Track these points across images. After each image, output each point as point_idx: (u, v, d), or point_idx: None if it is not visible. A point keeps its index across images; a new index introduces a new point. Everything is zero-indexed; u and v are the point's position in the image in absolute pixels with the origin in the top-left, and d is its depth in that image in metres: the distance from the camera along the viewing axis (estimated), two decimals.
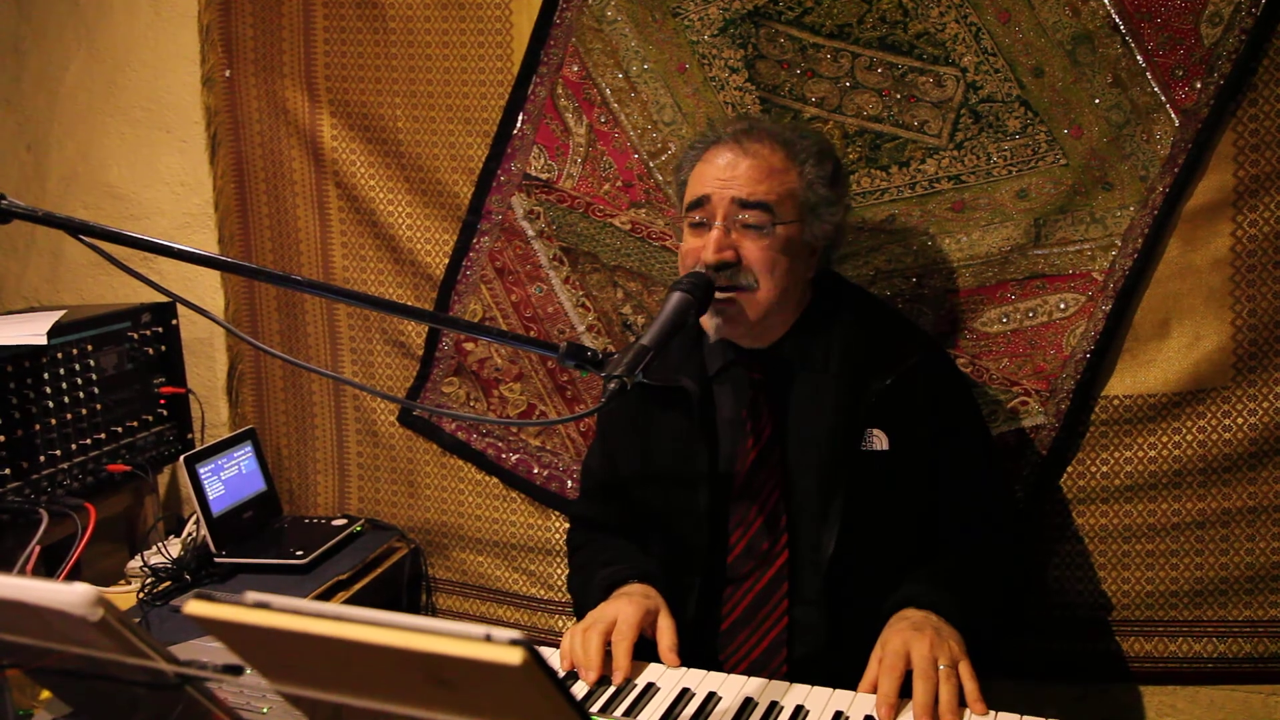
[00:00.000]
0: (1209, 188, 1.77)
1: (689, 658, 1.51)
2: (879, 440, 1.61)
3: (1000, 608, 1.65)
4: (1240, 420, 1.82)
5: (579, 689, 1.45)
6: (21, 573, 1.78)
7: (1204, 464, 1.85)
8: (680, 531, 1.69)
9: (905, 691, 1.36)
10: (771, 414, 1.65)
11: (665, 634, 1.52)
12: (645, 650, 1.50)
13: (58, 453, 2.02)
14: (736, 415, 1.68)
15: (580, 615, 1.65)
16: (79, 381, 2.08)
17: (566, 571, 2.26)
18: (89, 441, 2.10)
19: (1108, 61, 1.79)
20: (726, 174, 1.59)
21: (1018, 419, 1.92)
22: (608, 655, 1.48)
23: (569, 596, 2.27)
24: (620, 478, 1.80)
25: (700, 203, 1.61)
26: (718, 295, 1.57)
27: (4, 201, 1.36)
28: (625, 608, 1.52)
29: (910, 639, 1.39)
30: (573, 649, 1.51)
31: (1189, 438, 1.85)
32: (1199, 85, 1.75)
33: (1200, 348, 1.82)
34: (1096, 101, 1.81)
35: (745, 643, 1.64)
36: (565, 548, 2.25)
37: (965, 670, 1.36)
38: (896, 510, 1.63)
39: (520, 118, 2.13)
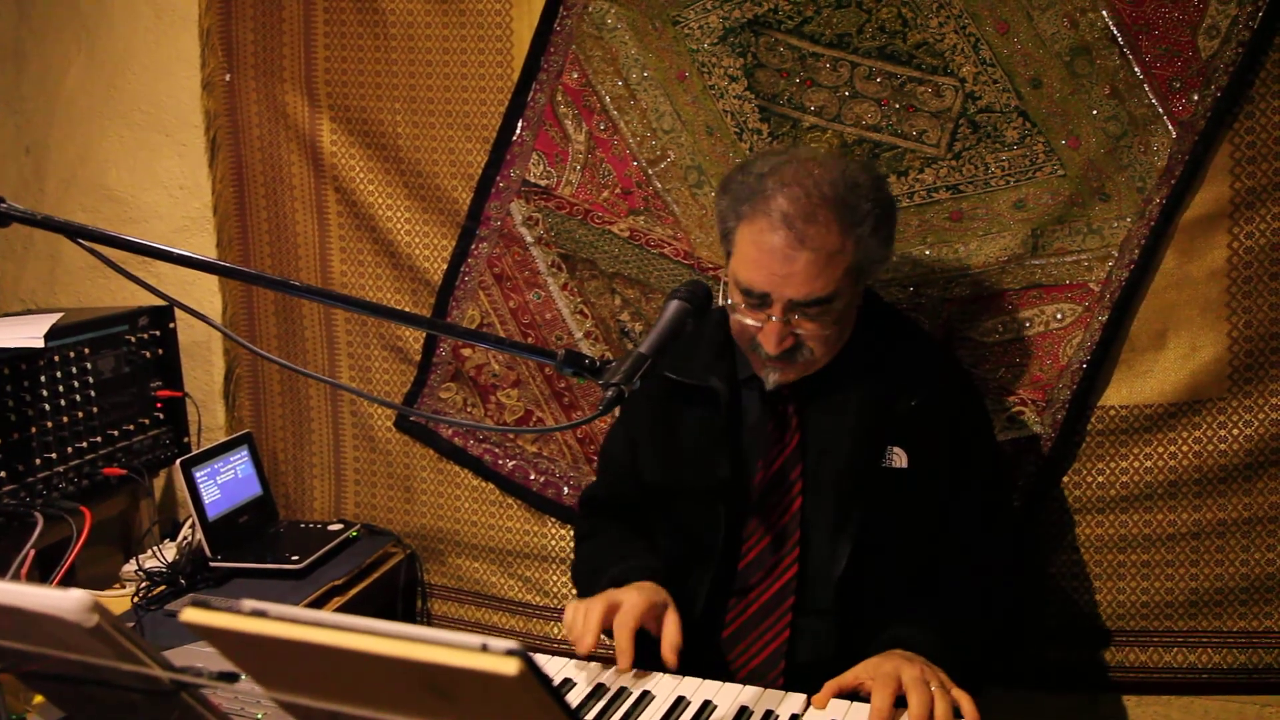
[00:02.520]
0: (1206, 199, 1.78)
1: (689, 662, 1.51)
2: (899, 458, 1.61)
3: (993, 642, 1.66)
4: (1236, 431, 1.82)
5: (573, 696, 1.45)
6: (16, 577, 1.77)
7: (1200, 475, 1.85)
8: (694, 532, 1.69)
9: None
10: (796, 425, 1.66)
11: (670, 631, 1.50)
12: (646, 657, 1.50)
13: (53, 455, 2.02)
14: (761, 423, 1.68)
15: None
16: (75, 384, 2.08)
17: (564, 577, 2.26)
18: (85, 445, 2.10)
19: (1105, 73, 1.79)
20: (782, 269, 1.49)
21: (1014, 429, 1.93)
22: (609, 651, 1.48)
23: (565, 604, 2.27)
24: (639, 468, 1.80)
25: (755, 296, 1.54)
26: (773, 360, 1.55)
27: (2, 204, 1.36)
28: (632, 594, 1.52)
29: (900, 664, 1.39)
30: (573, 620, 1.50)
31: (1185, 448, 1.85)
32: (1196, 97, 1.75)
33: (1196, 359, 1.83)
34: (1094, 112, 1.81)
35: (746, 650, 1.64)
36: (562, 552, 2.25)
37: (958, 692, 1.37)
38: (911, 527, 1.64)
39: (520, 124, 2.14)
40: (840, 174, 1.53)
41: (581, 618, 1.50)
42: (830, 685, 1.41)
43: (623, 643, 1.46)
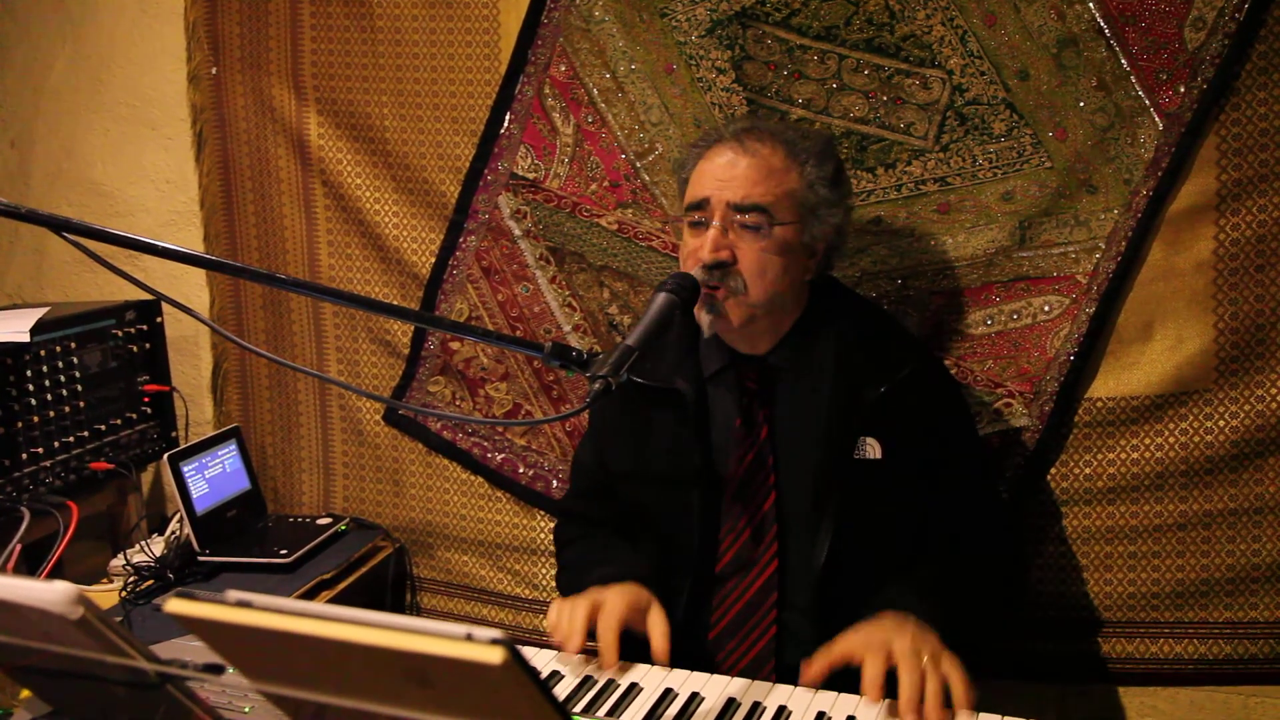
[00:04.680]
0: (1192, 191, 1.79)
1: (678, 663, 1.51)
2: (872, 449, 1.61)
3: (984, 618, 1.65)
4: (1222, 423, 1.83)
5: (561, 689, 1.45)
6: (2, 571, 1.77)
7: (1186, 466, 1.86)
8: (670, 534, 1.68)
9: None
10: (765, 420, 1.65)
11: (658, 629, 1.50)
12: (633, 651, 1.50)
13: (40, 450, 2.01)
14: (730, 420, 1.67)
15: None
16: (62, 379, 2.07)
17: (552, 570, 2.26)
18: (72, 439, 2.09)
19: (1093, 65, 1.80)
20: (725, 174, 1.59)
21: (1001, 421, 1.93)
22: (597, 649, 1.48)
23: (553, 596, 2.27)
24: (611, 474, 1.80)
25: (700, 205, 1.60)
26: (705, 290, 1.57)
27: None
28: (615, 594, 1.52)
29: (891, 634, 1.38)
30: (558, 620, 1.50)
31: (1171, 440, 1.86)
32: (1183, 89, 1.76)
33: (1183, 350, 1.83)
34: (1081, 105, 1.81)
35: (734, 650, 1.64)
36: (551, 545, 2.25)
37: (949, 664, 1.35)
38: (888, 519, 1.63)
39: (507, 117, 2.13)
40: (790, 125, 1.70)
41: (567, 617, 1.49)
42: (821, 657, 1.40)
43: (608, 636, 1.46)
